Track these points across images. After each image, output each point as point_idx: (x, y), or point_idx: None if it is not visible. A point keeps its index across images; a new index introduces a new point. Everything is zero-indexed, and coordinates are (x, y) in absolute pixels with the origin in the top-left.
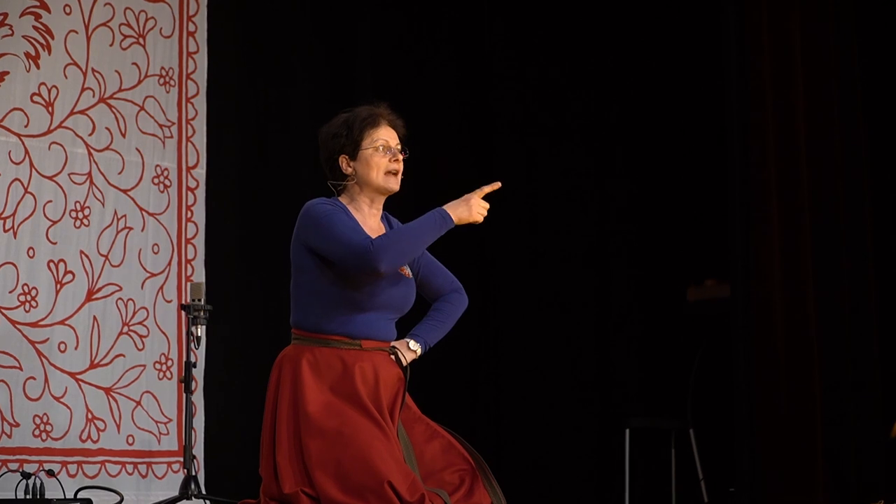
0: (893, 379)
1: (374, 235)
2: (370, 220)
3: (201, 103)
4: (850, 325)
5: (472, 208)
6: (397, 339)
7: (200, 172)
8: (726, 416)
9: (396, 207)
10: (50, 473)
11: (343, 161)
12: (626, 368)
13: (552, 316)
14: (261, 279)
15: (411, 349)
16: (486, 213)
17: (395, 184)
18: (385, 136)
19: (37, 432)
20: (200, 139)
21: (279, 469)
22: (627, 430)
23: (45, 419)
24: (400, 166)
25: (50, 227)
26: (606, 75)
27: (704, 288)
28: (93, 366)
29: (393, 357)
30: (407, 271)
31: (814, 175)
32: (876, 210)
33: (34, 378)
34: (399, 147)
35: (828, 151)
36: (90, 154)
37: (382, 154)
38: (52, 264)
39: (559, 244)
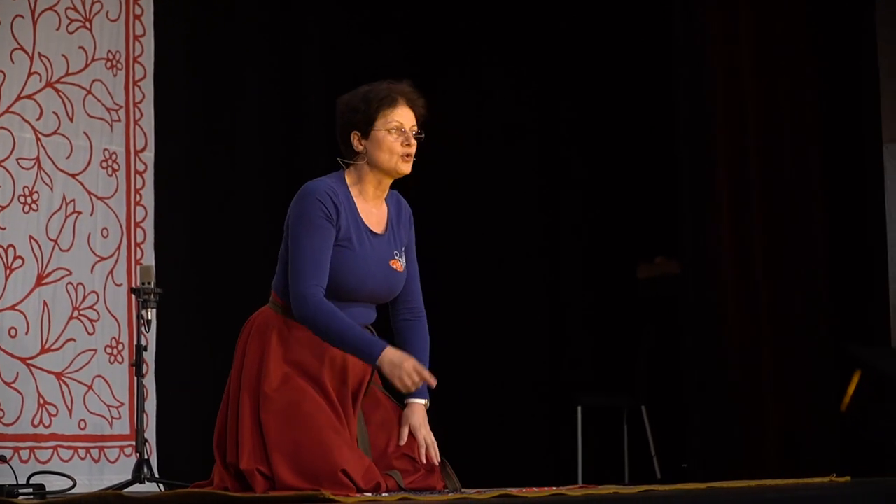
0: (844, 352)
1: (374, 224)
2: (373, 203)
3: (149, 86)
4: (800, 298)
5: (402, 375)
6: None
7: (149, 156)
8: (678, 393)
9: None
10: (2, 459)
11: (355, 138)
12: (578, 346)
13: (503, 294)
14: (210, 261)
15: (425, 405)
16: (410, 389)
17: (405, 167)
18: (400, 118)
19: None
20: (148, 122)
21: (241, 439)
22: (579, 408)
23: None
24: (412, 150)
25: None
26: (556, 54)
27: (654, 265)
28: (44, 351)
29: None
30: (399, 265)
31: (763, 150)
32: (825, 183)
33: None
34: (414, 129)
35: (777, 126)
36: (38, 139)
37: (395, 137)
38: (1, 249)
39: (509, 223)
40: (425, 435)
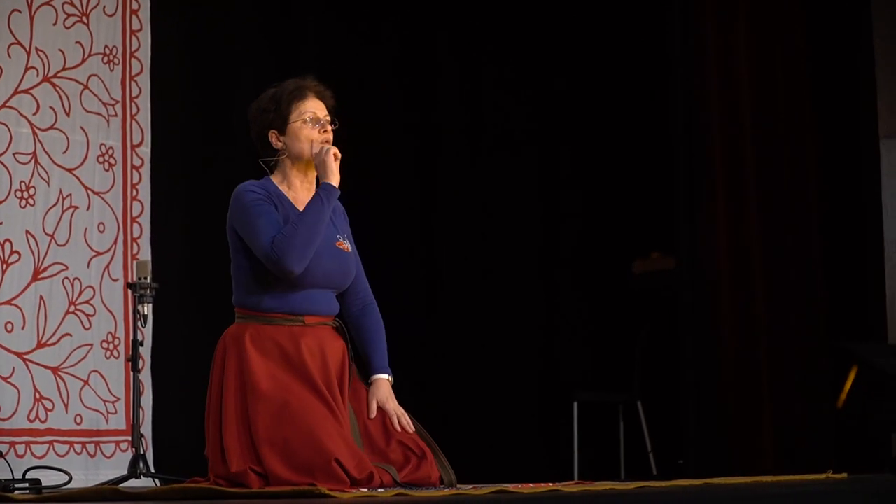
0: (841, 348)
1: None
2: (303, 194)
3: (145, 81)
4: (796, 295)
5: (329, 165)
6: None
7: (145, 150)
8: (674, 389)
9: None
10: None
11: (272, 136)
12: (574, 342)
13: (499, 290)
14: (207, 256)
15: (389, 381)
16: (334, 152)
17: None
18: (313, 108)
19: None
20: (145, 117)
21: (227, 448)
22: (575, 404)
23: None
24: (330, 136)
25: None
26: (552, 51)
27: (650, 261)
28: (40, 345)
29: (337, 330)
30: (346, 245)
31: (759, 147)
32: (822, 179)
33: None
34: (328, 118)
35: (773, 122)
36: (35, 133)
37: (311, 126)
38: None
39: (505, 219)
40: (394, 407)
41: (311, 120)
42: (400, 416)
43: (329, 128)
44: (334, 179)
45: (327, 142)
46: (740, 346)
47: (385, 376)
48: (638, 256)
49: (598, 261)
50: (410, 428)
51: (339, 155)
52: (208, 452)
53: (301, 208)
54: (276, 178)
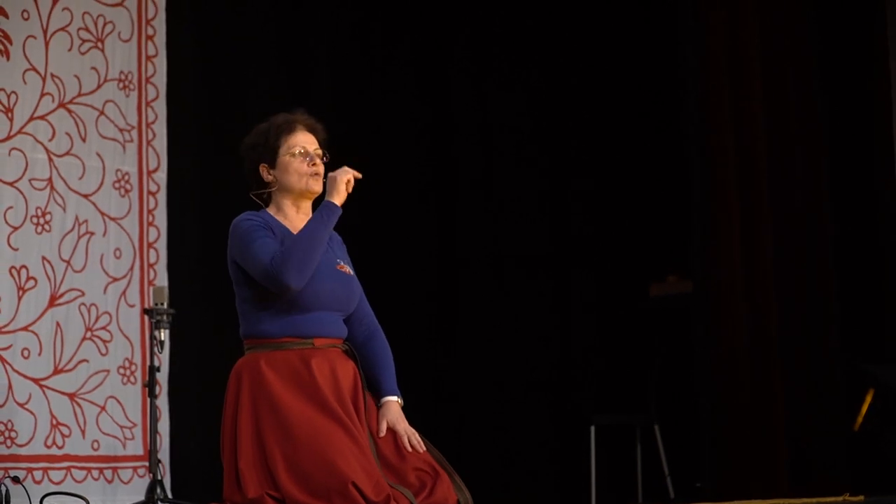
0: (857, 370)
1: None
2: (299, 223)
3: (161, 107)
4: (812, 315)
5: (338, 184)
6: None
7: (161, 176)
8: (691, 412)
9: (359, 217)
10: (15, 480)
11: (263, 170)
12: (591, 365)
13: (515, 313)
14: (223, 281)
15: (399, 403)
16: (352, 183)
17: (316, 186)
18: (302, 142)
19: (1, 439)
20: (161, 143)
21: (242, 476)
22: (592, 427)
23: (9, 426)
24: (320, 169)
25: (11, 233)
26: (564, 69)
27: (666, 284)
28: (56, 371)
29: (346, 353)
30: (347, 269)
31: (773, 170)
32: (836, 204)
33: None
34: (318, 151)
35: (787, 141)
36: (50, 159)
37: (301, 159)
38: (13, 270)
39: (520, 242)
40: (405, 427)
41: (301, 153)
42: (410, 435)
43: (318, 161)
44: (338, 199)
45: (317, 174)
46: (756, 369)
47: (394, 398)
48: (654, 279)
49: (615, 284)
50: (421, 448)
51: (359, 176)
52: (225, 481)
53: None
54: (271, 210)
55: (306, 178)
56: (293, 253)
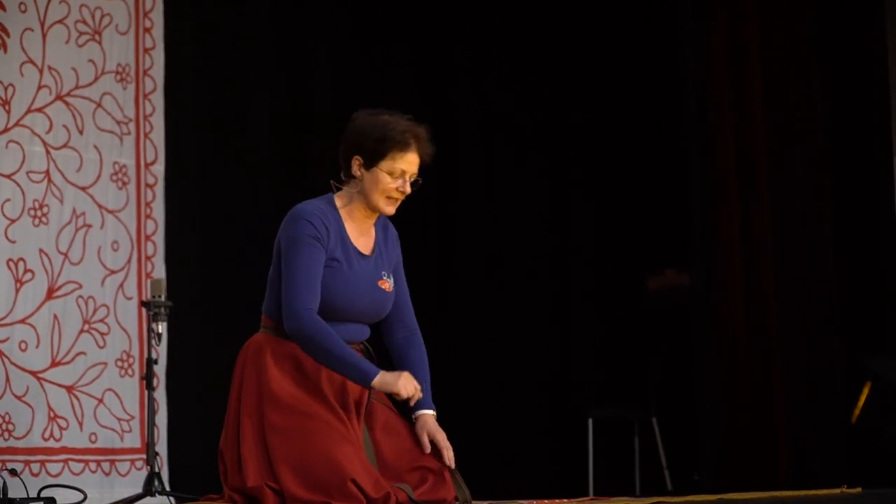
0: (855, 363)
1: (362, 246)
2: (363, 225)
3: (159, 99)
4: (811, 310)
5: (392, 386)
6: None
7: (159, 169)
8: (689, 404)
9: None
10: (13, 472)
11: (356, 163)
12: (588, 358)
13: (512, 306)
14: (221, 274)
15: (433, 415)
16: (412, 393)
17: (390, 209)
18: (406, 165)
19: None
20: (158, 135)
21: (243, 460)
22: (591, 420)
23: (6, 418)
24: (402, 196)
25: (8, 225)
26: (564, 67)
27: (664, 277)
28: (54, 364)
29: (363, 353)
30: (388, 285)
31: (773, 163)
32: (835, 198)
33: None
34: (414, 176)
35: (787, 137)
36: (48, 152)
37: (393, 180)
38: (11, 263)
39: (519, 237)
40: (443, 440)
41: (398, 175)
42: (447, 449)
43: (408, 189)
44: (377, 385)
45: (396, 200)
46: (754, 362)
47: (430, 411)
48: (652, 273)
49: (613, 277)
50: (451, 464)
51: (413, 395)
52: (226, 460)
53: (356, 241)
54: (340, 199)
55: (385, 199)
56: (314, 341)
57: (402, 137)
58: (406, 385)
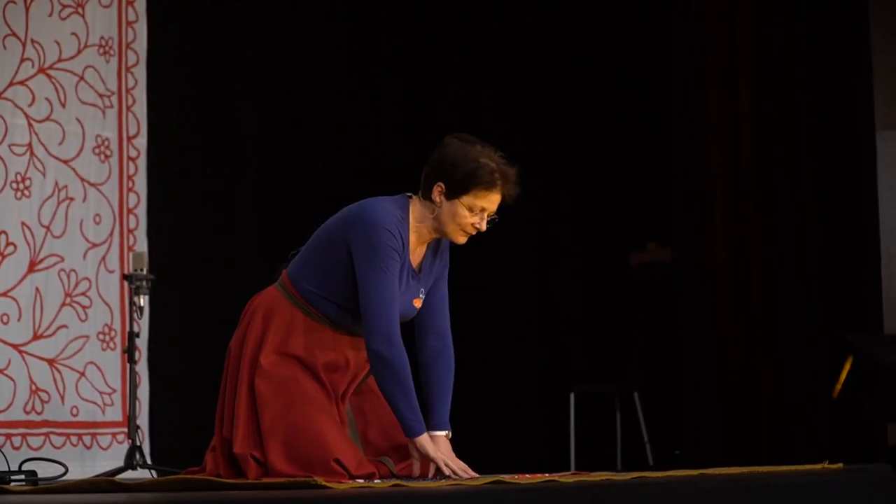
0: (837, 339)
1: (415, 262)
2: (422, 241)
3: (141, 72)
4: (794, 286)
5: (431, 453)
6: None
7: (141, 142)
8: (671, 380)
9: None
10: None
11: (437, 189)
12: (571, 333)
13: (495, 282)
14: (203, 247)
15: (448, 437)
16: (431, 470)
17: (461, 240)
18: (487, 203)
19: None
20: (141, 109)
21: (235, 420)
22: (572, 395)
23: None
24: (475, 231)
25: None
26: (548, 44)
27: (647, 252)
28: (36, 337)
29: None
30: (420, 302)
31: (756, 137)
32: (819, 170)
33: None
34: (492, 214)
35: (771, 113)
36: (30, 125)
37: (471, 215)
38: None
39: (501, 213)
40: (456, 464)
41: (478, 212)
42: (465, 468)
43: (483, 227)
44: (417, 443)
45: (472, 233)
46: (738, 337)
47: (444, 433)
48: (634, 248)
49: (595, 252)
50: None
51: (446, 474)
52: (219, 413)
53: (414, 260)
54: (413, 213)
55: (458, 231)
56: (389, 371)
57: (490, 178)
58: (440, 461)
